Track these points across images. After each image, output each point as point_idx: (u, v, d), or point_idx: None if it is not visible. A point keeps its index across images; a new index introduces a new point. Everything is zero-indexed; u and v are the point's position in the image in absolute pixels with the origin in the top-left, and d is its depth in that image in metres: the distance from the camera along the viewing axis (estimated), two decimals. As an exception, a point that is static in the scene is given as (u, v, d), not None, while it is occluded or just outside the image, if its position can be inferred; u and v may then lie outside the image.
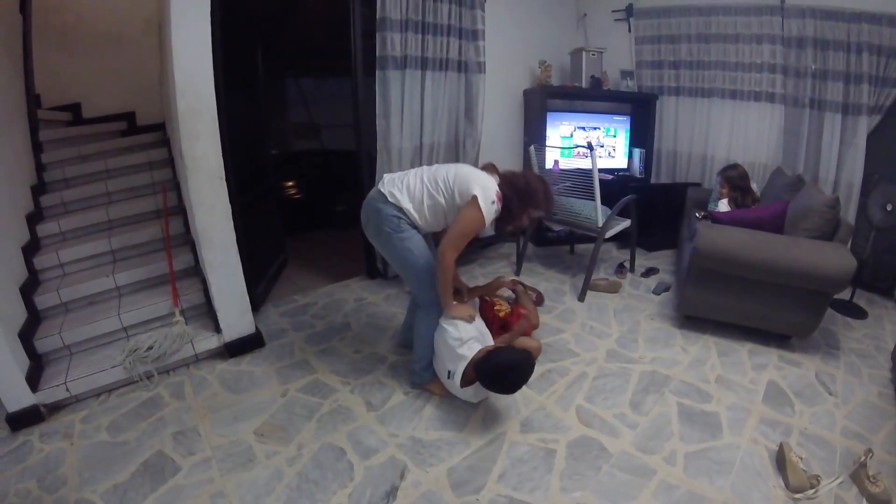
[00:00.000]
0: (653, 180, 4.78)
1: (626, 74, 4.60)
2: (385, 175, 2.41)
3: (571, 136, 4.47)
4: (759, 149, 4.14)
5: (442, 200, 2.26)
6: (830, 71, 3.75)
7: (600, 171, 4.49)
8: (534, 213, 2.39)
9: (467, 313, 2.40)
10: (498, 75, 4.13)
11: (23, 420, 2.27)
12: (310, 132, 5.93)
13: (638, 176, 4.60)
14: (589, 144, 3.38)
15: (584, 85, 4.39)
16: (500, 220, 2.36)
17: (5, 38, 3.27)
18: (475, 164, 4.00)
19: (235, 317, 2.82)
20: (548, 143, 4.30)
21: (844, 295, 3.54)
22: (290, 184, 5.35)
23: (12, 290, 2.53)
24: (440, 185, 2.27)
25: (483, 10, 3.75)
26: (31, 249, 2.87)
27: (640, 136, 4.67)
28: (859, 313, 3.46)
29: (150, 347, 2.62)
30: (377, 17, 3.25)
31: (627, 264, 4.05)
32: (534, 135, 4.30)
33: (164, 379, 2.64)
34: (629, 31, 4.62)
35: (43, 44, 3.71)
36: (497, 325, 2.68)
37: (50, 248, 2.97)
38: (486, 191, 2.21)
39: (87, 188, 3.33)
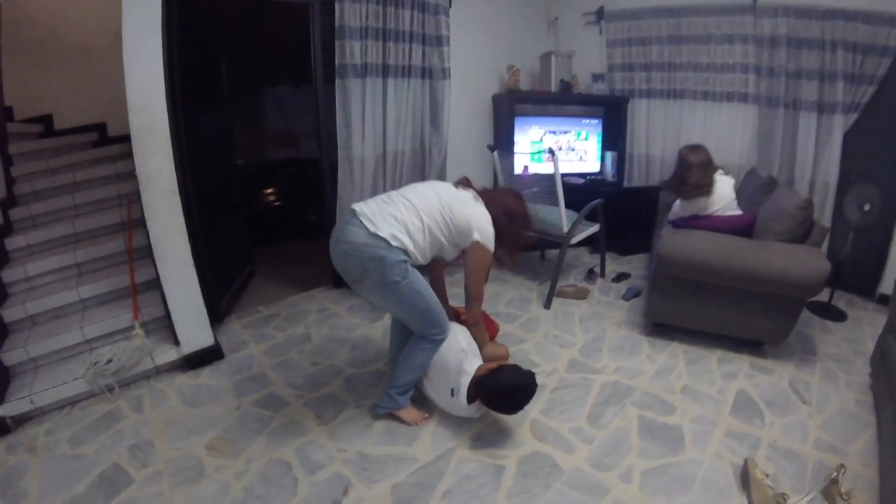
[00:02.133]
0: (625, 184, 4.73)
1: (597, 77, 4.56)
2: (361, 209, 2.12)
3: (541, 140, 4.44)
4: (732, 150, 4.09)
5: (442, 238, 2.20)
6: (805, 70, 3.71)
7: (572, 175, 4.52)
8: (517, 231, 2.37)
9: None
10: (465, 81, 4.12)
11: None
12: (287, 141, 5.92)
13: (610, 179, 4.57)
14: (550, 150, 3.35)
15: (553, 89, 4.35)
16: (499, 247, 2.35)
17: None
18: (443, 172, 4.04)
19: (193, 330, 2.86)
20: (516, 148, 4.28)
21: (823, 297, 3.48)
22: (268, 191, 5.37)
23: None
24: (440, 222, 2.18)
25: (447, 16, 3.74)
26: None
27: (612, 140, 4.63)
28: (838, 316, 3.42)
29: (110, 360, 2.65)
30: (335, 25, 3.24)
31: (598, 269, 4.02)
32: (502, 140, 4.28)
33: (125, 392, 2.68)
34: (600, 33, 4.57)
35: (14, 57, 3.77)
36: None
37: (18, 262, 3.03)
38: (485, 228, 2.24)
39: (55, 201, 3.37)
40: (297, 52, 3.63)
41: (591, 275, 3.96)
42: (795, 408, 2.44)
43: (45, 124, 4.10)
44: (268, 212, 5.34)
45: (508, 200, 2.38)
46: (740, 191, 3.64)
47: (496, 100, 4.41)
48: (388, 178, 3.76)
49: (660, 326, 3.12)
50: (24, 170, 3.54)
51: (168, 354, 2.82)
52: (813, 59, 3.65)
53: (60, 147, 3.88)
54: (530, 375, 2.18)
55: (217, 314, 3.28)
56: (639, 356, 2.90)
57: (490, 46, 4.31)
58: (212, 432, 2.36)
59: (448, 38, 3.78)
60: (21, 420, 2.47)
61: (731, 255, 2.63)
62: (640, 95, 4.50)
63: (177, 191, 2.65)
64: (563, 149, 4.51)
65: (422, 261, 2.20)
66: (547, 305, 3.53)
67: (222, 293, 3.46)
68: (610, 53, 4.58)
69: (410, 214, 2.12)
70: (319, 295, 3.88)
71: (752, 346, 2.94)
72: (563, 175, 4.45)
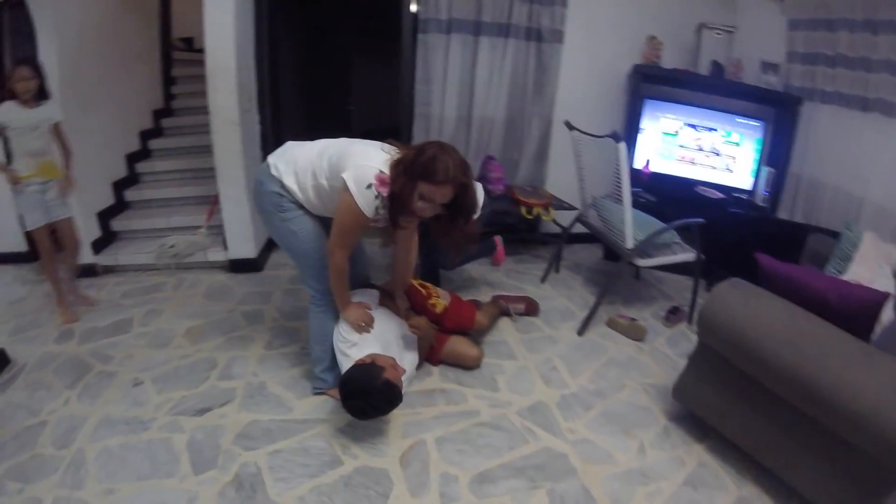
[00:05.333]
0: (781, 214, 3.48)
1: (768, 67, 3.37)
2: (289, 143, 2.11)
3: (676, 133, 3.57)
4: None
5: (324, 182, 1.92)
6: None
7: (710, 185, 3.61)
8: (423, 189, 1.77)
9: (357, 319, 2.11)
10: (593, 49, 3.59)
11: (84, 272, 3.25)
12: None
13: (759, 203, 3.41)
14: (615, 134, 2.67)
15: (700, 70, 3.44)
16: (391, 207, 1.84)
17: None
18: (544, 149, 3.71)
19: (239, 241, 3.37)
20: (641, 137, 3.56)
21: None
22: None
23: (105, 183, 3.54)
24: (324, 165, 1.91)
25: (567, -30, 3.27)
26: (138, 157, 3.90)
27: (776, 151, 3.43)
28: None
29: (172, 246, 3.37)
30: (422, -25, 3.19)
31: (685, 309, 3.09)
32: (626, 124, 3.63)
33: (178, 273, 3.39)
34: (783, 12, 3.33)
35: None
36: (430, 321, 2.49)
37: (154, 159, 3.99)
38: (359, 170, 1.79)
39: (199, 117, 4.08)
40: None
41: (673, 313, 3.06)
42: None
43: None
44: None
45: (425, 145, 1.82)
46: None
47: (630, 76, 3.70)
48: (472, 145, 3.62)
49: (694, 418, 2.19)
50: (185, 89, 4.49)
51: (217, 255, 3.42)
52: None
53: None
54: (388, 388, 1.88)
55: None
56: (630, 439, 2.12)
57: (633, 11, 3.58)
58: (198, 321, 2.85)
59: (565, -5, 3.33)
60: (107, 270, 3.38)
61: (803, 354, 1.63)
62: (820, 99, 3.19)
63: (237, 122, 3.10)
64: (705, 151, 3.59)
65: (306, 204, 2.02)
66: (580, 331, 2.89)
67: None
68: (790, 38, 3.31)
69: (310, 151, 2.00)
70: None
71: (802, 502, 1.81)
72: (700, 183, 3.62)
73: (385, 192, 1.80)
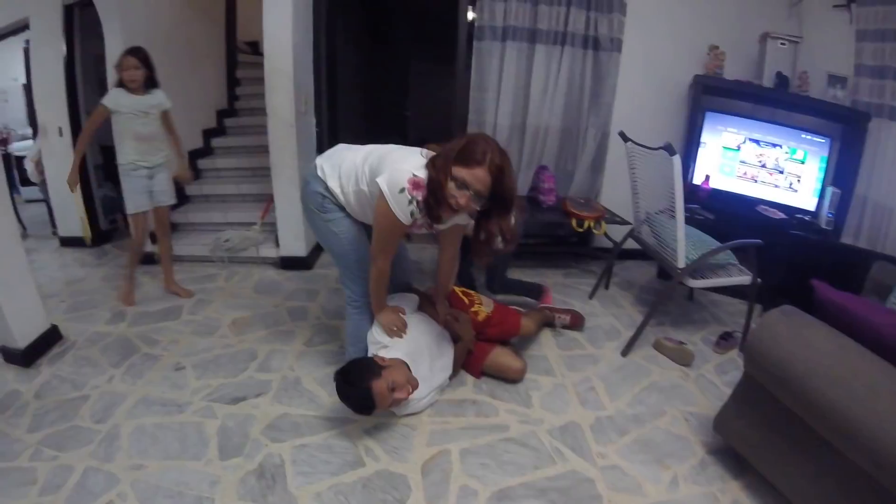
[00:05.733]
0: (845, 239, 3.22)
1: (835, 81, 3.15)
2: (339, 145, 2.16)
3: (738, 148, 3.38)
4: None
5: (365, 188, 1.94)
6: None
7: (771, 204, 3.45)
8: (458, 173, 1.73)
9: (390, 323, 2.14)
10: (653, 59, 3.49)
11: (143, 260, 3.40)
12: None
13: (823, 226, 3.16)
14: (668, 146, 2.54)
15: (764, 83, 3.24)
16: (428, 198, 1.79)
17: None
18: (600, 159, 3.67)
19: (291, 239, 3.49)
20: (702, 151, 3.42)
21: None
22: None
23: (168, 178, 3.73)
24: (366, 170, 1.92)
25: (627, -23, 3.21)
26: (201, 153, 4.10)
27: (842, 171, 3.18)
28: None
29: (227, 240, 3.52)
30: (477, -16, 3.21)
31: (738, 335, 2.87)
32: (685, 137, 3.50)
33: (232, 266, 3.54)
34: (850, 22, 3.10)
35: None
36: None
37: (216, 156, 4.18)
38: (392, 175, 1.78)
39: (260, 118, 4.15)
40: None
41: (725, 339, 2.86)
42: None
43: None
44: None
45: (461, 138, 1.82)
46: None
47: (691, 87, 3.56)
48: (525, 154, 3.60)
49: (735, 453, 2.00)
50: (248, 90, 4.68)
51: (269, 251, 3.55)
52: None
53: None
54: (364, 392, 1.88)
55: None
56: (663, 470, 1.96)
57: (694, 20, 3.45)
58: (244, 313, 2.97)
59: (624, 4, 3.26)
60: (166, 260, 3.55)
61: (851, 393, 1.47)
62: (889, 115, 2.94)
63: (293, 124, 3.21)
64: (768, 168, 3.38)
65: (347, 208, 2.04)
66: (624, 352, 2.75)
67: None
68: (859, 50, 3.08)
69: (355, 156, 2.01)
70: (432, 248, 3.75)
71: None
72: (762, 202, 3.44)
73: (420, 195, 1.77)
